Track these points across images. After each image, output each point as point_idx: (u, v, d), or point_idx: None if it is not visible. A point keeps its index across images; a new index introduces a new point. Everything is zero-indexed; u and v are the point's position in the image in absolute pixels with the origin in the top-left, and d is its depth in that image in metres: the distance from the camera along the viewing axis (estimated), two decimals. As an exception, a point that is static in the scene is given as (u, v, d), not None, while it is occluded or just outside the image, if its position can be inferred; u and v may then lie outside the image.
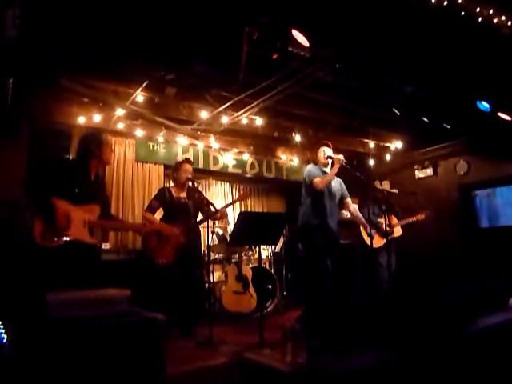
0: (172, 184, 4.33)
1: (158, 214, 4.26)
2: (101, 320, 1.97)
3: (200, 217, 4.34)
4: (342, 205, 4.39)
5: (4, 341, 1.86)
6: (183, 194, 4.23)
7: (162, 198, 4.13)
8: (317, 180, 4.04)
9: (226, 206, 4.45)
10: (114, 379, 1.89)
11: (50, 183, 2.93)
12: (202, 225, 4.38)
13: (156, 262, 3.88)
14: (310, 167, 4.24)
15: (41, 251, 2.79)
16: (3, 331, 1.90)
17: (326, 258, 3.90)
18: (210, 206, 3.88)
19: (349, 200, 4.38)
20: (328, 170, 4.22)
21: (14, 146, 4.66)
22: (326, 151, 4.22)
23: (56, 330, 1.84)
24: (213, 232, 5.43)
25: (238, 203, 6.86)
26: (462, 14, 3.83)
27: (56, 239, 2.83)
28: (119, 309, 2.09)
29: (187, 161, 4.33)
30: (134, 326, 2.01)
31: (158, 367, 2.03)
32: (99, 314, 2.00)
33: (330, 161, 4.20)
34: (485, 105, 5.01)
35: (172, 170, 4.40)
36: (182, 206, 4.14)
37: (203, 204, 4.21)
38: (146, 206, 4.39)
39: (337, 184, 4.27)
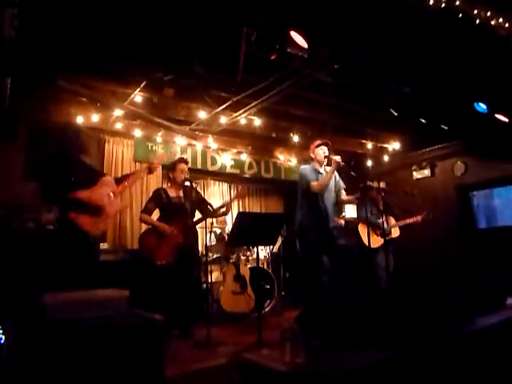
0: (169, 184, 4.30)
1: (155, 215, 4.25)
2: (99, 321, 1.96)
3: (198, 216, 4.31)
4: (337, 197, 4.29)
5: (2, 342, 1.86)
6: (180, 194, 4.19)
7: (158, 199, 4.09)
8: (314, 184, 4.00)
9: (223, 205, 4.43)
10: (112, 381, 1.89)
11: (58, 183, 3.10)
12: (199, 225, 4.37)
13: (155, 263, 3.87)
14: (305, 168, 4.19)
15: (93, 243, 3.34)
16: (1, 333, 1.89)
17: (322, 258, 3.89)
18: (208, 206, 3.87)
19: (342, 191, 4.29)
20: (323, 169, 4.20)
21: (12, 147, 4.65)
22: (324, 150, 4.20)
23: (54, 332, 1.83)
24: (211, 232, 5.43)
25: (235, 203, 6.89)
26: (460, 15, 3.84)
27: (103, 223, 3.31)
28: (118, 310, 2.08)
29: (182, 160, 4.30)
30: (132, 328, 2.01)
31: (158, 369, 2.03)
32: (97, 316, 1.99)
33: (326, 160, 4.18)
34: (482, 106, 5.03)
35: (168, 170, 4.38)
36: (178, 206, 4.11)
37: (202, 204, 4.20)
38: (142, 208, 4.38)
39: (332, 180, 4.18)
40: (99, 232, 3.35)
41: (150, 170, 4.13)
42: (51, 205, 3.33)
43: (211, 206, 3.97)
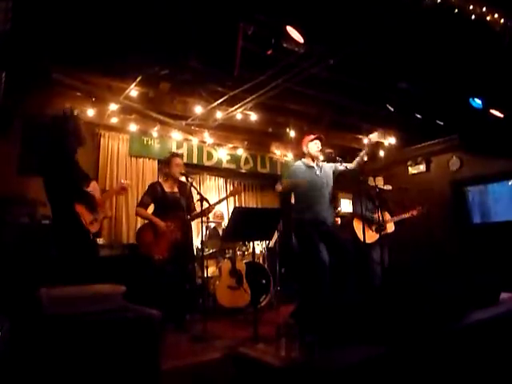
0: (165, 178, 4.29)
1: (150, 210, 4.25)
2: (95, 316, 1.96)
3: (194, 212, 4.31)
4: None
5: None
6: (175, 189, 4.20)
7: (154, 193, 4.10)
8: (279, 186, 4.22)
9: (219, 201, 4.43)
10: (109, 375, 1.90)
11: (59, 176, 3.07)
12: (194, 220, 4.38)
13: (153, 258, 3.90)
14: (293, 171, 4.16)
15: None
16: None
17: (321, 253, 3.89)
18: (204, 202, 3.87)
19: (343, 164, 4.22)
20: (315, 164, 4.16)
21: (6, 141, 4.63)
22: (318, 145, 4.17)
23: (49, 327, 1.84)
24: (207, 227, 5.43)
25: (232, 199, 6.88)
26: (456, 11, 3.84)
27: (97, 225, 3.36)
28: (114, 305, 2.09)
29: (176, 154, 4.32)
30: (128, 322, 2.01)
31: (153, 363, 2.04)
32: (93, 311, 2.00)
33: (319, 154, 4.17)
34: (477, 102, 5.05)
35: (163, 165, 4.39)
36: (174, 201, 4.11)
37: (191, 200, 4.22)
38: (138, 202, 4.38)
39: (324, 173, 4.13)
40: (94, 232, 3.34)
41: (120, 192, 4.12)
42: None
43: (208, 202, 3.95)
